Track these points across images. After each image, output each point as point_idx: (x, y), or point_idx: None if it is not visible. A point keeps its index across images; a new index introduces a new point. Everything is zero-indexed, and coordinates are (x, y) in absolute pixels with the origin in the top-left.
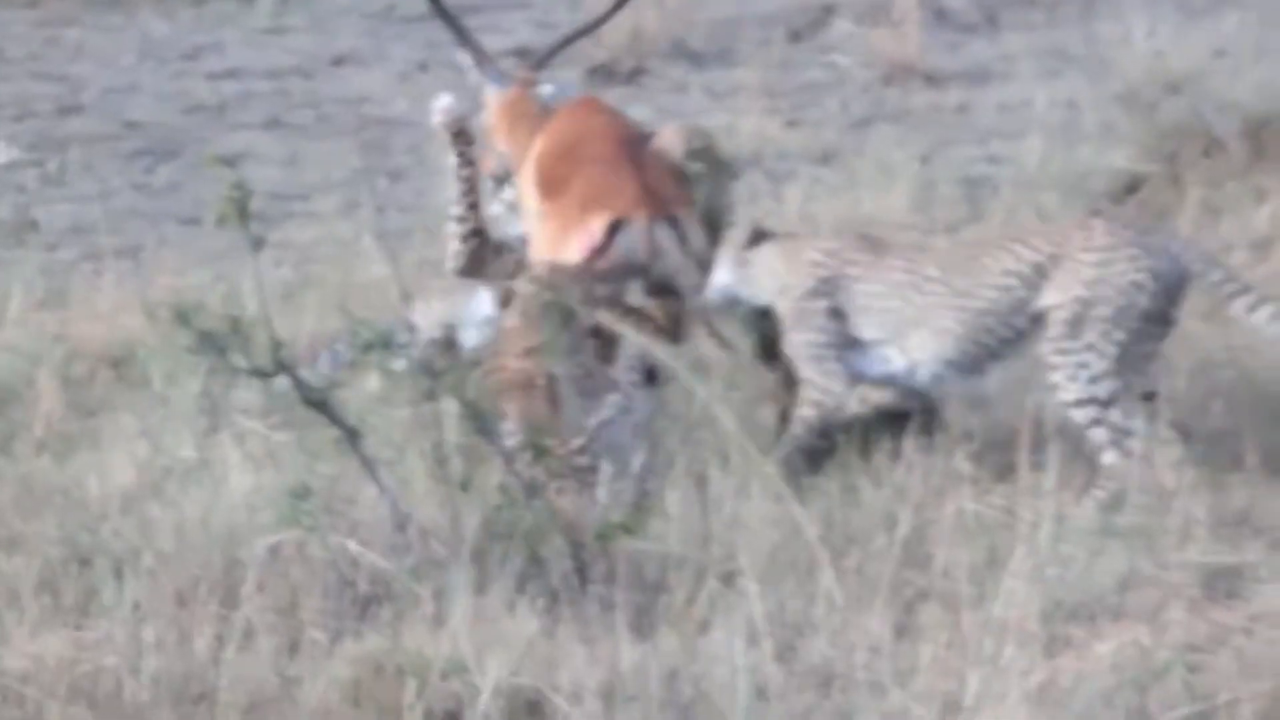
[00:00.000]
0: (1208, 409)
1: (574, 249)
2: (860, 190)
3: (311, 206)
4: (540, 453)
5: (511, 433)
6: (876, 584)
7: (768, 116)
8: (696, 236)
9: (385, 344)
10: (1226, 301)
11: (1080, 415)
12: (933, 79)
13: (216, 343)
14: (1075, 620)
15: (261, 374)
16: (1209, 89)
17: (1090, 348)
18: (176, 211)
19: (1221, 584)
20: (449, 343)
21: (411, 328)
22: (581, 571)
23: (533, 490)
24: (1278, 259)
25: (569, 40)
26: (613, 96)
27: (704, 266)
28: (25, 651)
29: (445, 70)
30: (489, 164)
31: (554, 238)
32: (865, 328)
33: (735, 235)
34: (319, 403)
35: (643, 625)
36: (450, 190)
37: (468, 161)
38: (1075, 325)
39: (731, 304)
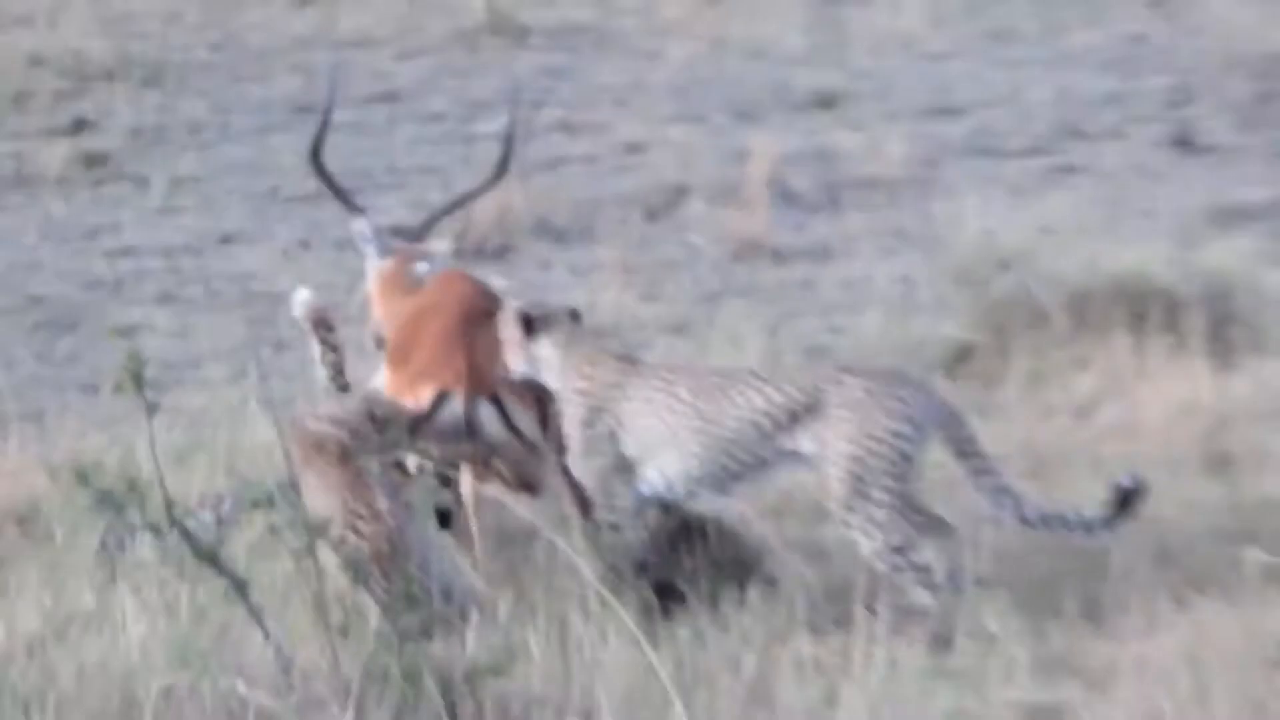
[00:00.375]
0: (1030, 560)
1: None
2: (711, 359)
3: (202, 374)
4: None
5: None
6: None
7: (625, 290)
8: (520, 414)
9: (270, 501)
10: (958, 459)
11: (882, 564)
12: (779, 256)
13: (114, 501)
14: None
15: (155, 530)
16: (1036, 265)
17: (874, 501)
18: (76, 379)
19: None
20: None
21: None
22: (452, 710)
23: (406, 636)
24: (1099, 424)
25: (440, 215)
26: (481, 273)
27: (532, 439)
28: None
29: (326, 248)
30: (370, 327)
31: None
32: (628, 446)
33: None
34: (209, 556)
35: None
36: (320, 373)
37: (331, 347)
38: (855, 482)
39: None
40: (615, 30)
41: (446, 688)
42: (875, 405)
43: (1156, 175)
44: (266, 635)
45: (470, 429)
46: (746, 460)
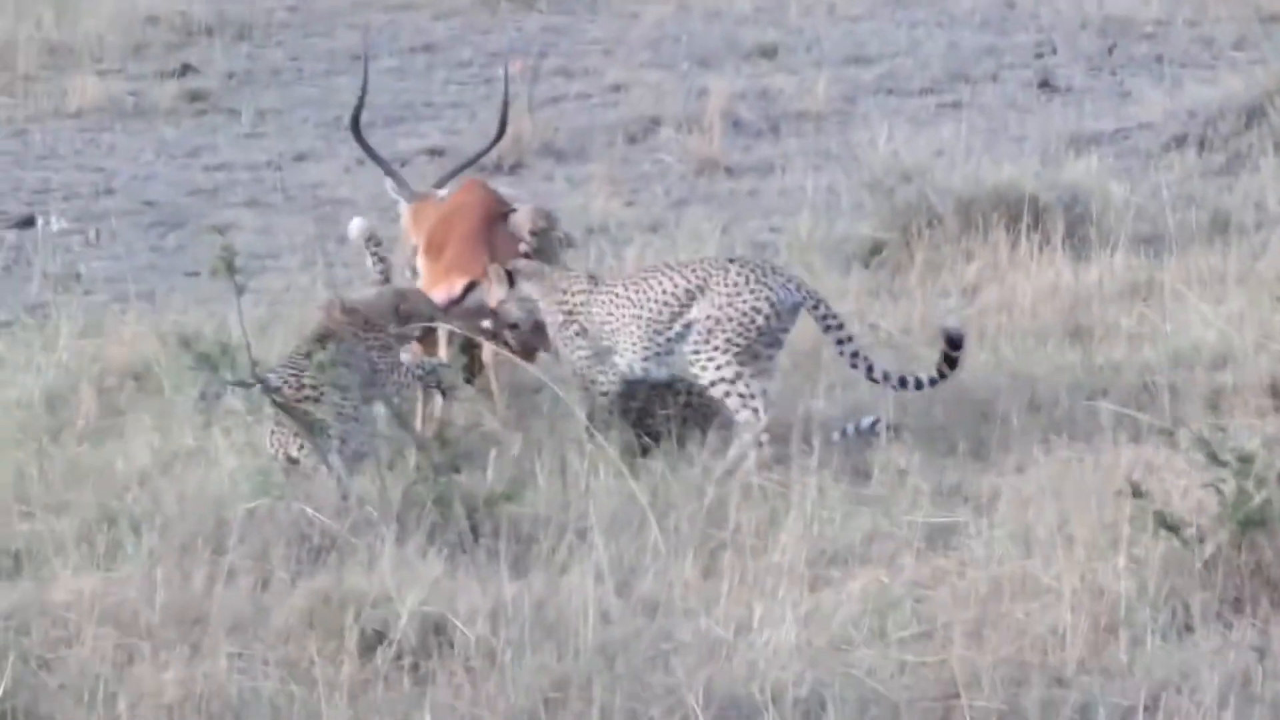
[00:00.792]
0: (930, 410)
1: (439, 298)
2: (679, 252)
3: (280, 264)
4: None
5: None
6: (689, 538)
7: (611, 199)
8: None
9: (334, 363)
10: (824, 332)
11: (716, 391)
12: (731, 171)
13: (210, 362)
14: (833, 565)
15: (243, 384)
16: (932, 179)
17: (717, 349)
18: (182, 266)
19: (940, 538)
20: None
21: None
22: (475, 528)
23: (439, 470)
24: (982, 301)
25: (459, 170)
26: (498, 184)
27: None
28: (68, 587)
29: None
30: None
31: (428, 288)
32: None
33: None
34: (284, 405)
35: (519, 568)
36: (373, 279)
37: (379, 258)
38: (708, 335)
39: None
40: None
41: (470, 511)
42: (745, 287)
43: (1025, 110)
44: (329, 468)
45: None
46: (669, 336)
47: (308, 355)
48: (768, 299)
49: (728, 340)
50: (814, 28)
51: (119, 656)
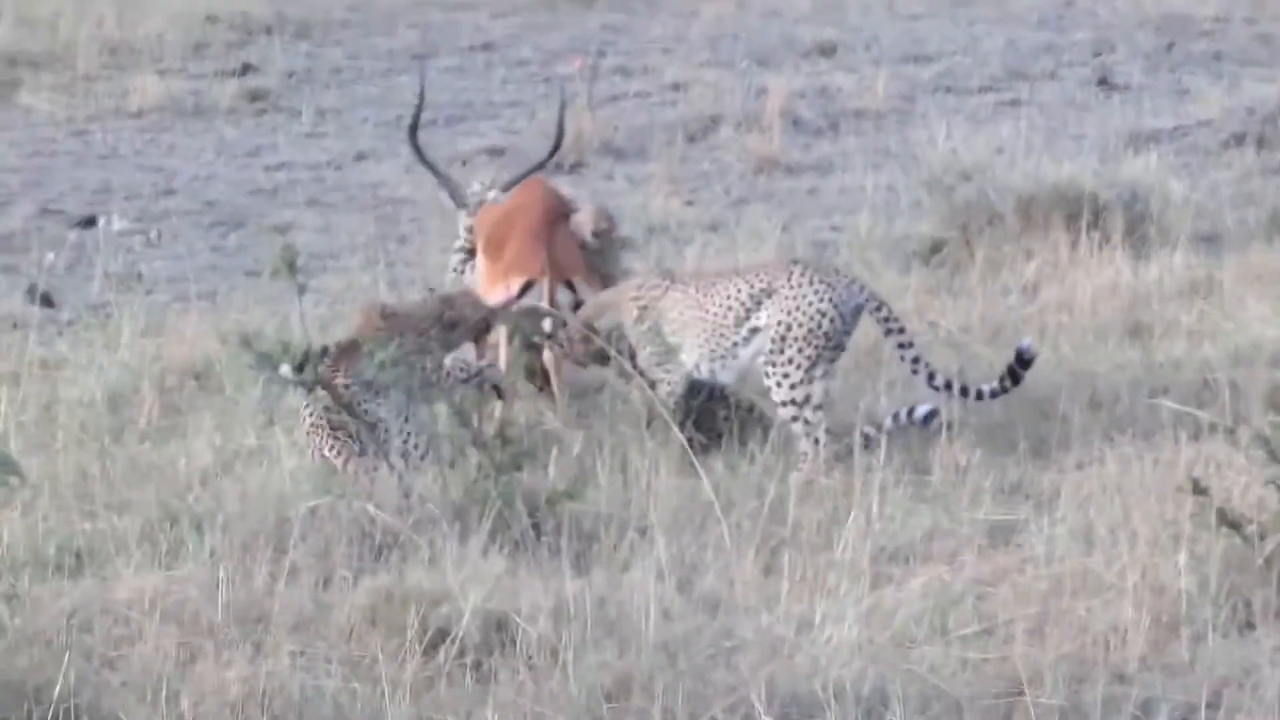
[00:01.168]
0: (991, 407)
1: (497, 299)
2: (739, 251)
3: (341, 263)
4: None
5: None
6: (750, 536)
7: (671, 198)
8: (588, 295)
9: (395, 362)
10: (885, 336)
11: (784, 413)
12: (791, 170)
13: (272, 361)
14: (894, 562)
15: (305, 384)
16: (991, 177)
17: (790, 361)
18: (242, 266)
19: (1001, 535)
20: None
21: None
22: (537, 526)
23: (501, 468)
24: (1043, 299)
25: (521, 177)
26: (558, 183)
27: None
28: (130, 586)
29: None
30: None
31: (486, 289)
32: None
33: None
34: (346, 405)
35: (580, 566)
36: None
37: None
38: (779, 343)
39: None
40: None
41: (532, 509)
42: (809, 288)
43: (1083, 108)
44: (391, 467)
45: (554, 308)
46: (735, 340)
47: (336, 362)
48: (831, 301)
49: (800, 350)
50: (872, 26)
51: (181, 655)
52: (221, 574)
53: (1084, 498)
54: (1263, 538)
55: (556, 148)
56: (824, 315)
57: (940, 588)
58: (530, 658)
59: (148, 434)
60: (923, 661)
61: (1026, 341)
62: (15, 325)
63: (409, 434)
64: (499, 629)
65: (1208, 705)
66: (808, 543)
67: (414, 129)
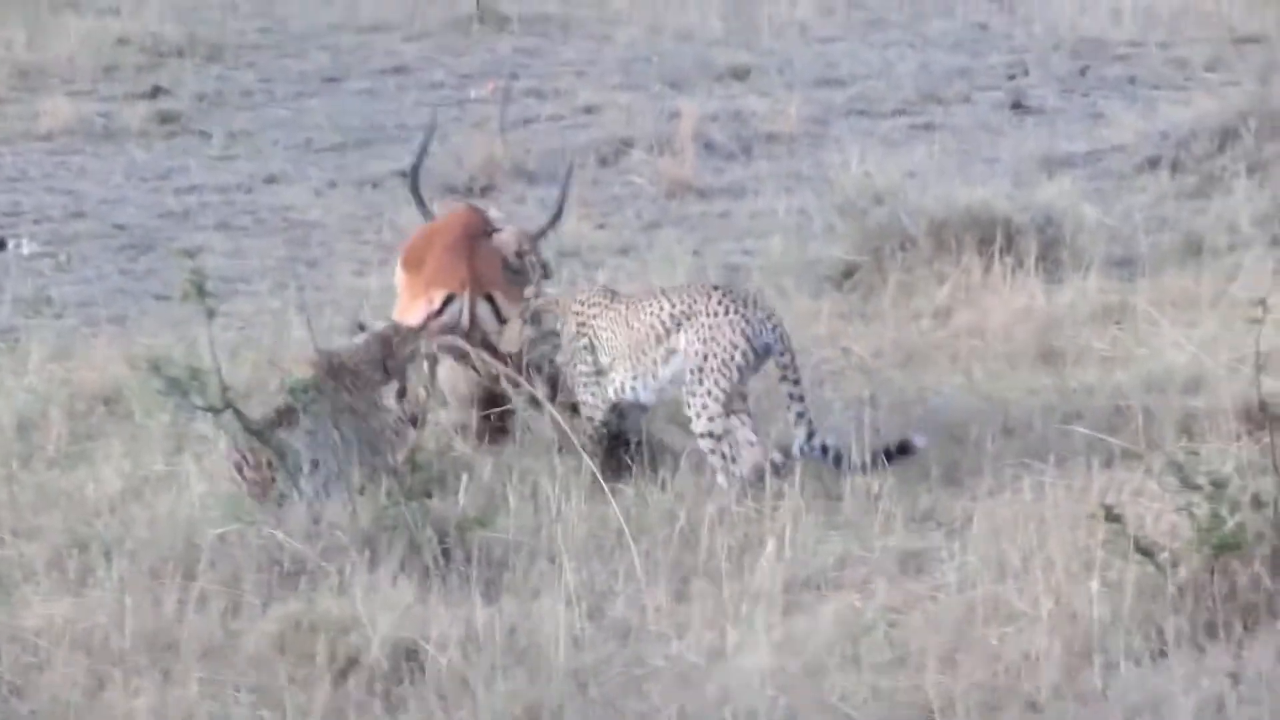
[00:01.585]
0: (903, 434)
1: (418, 313)
2: (650, 275)
3: (251, 287)
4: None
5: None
6: (662, 563)
7: (583, 221)
8: (510, 311)
9: (305, 389)
10: (780, 380)
11: (702, 444)
12: (703, 194)
13: (181, 387)
14: (806, 589)
15: (213, 410)
16: (904, 200)
17: (709, 393)
18: (152, 290)
19: (913, 563)
20: None
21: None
22: (447, 553)
23: (411, 494)
24: (955, 323)
25: (541, 233)
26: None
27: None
28: (38, 613)
29: (349, 187)
30: None
31: (406, 303)
32: (600, 356)
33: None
34: (256, 430)
35: (491, 593)
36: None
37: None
38: (697, 373)
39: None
40: (575, 18)
41: (442, 536)
42: (726, 318)
43: (997, 131)
44: (300, 493)
45: (474, 323)
46: (655, 359)
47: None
48: (744, 334)
49: (715, 383)
50: (785, 49)
51: (90, 682)
52: (130, 601)
53: (997, 525)
54: (1175, 565)
55: (557, 217)
56: (736, 348)
57: (852, 615)
58: (440, 686)
59: (56, 459)
60: (834, 690)
61: (919, 438)
62: None
63: (318, 460)
64: (409, 657)
65: None
66: (720, 570)
67: (415, 173)
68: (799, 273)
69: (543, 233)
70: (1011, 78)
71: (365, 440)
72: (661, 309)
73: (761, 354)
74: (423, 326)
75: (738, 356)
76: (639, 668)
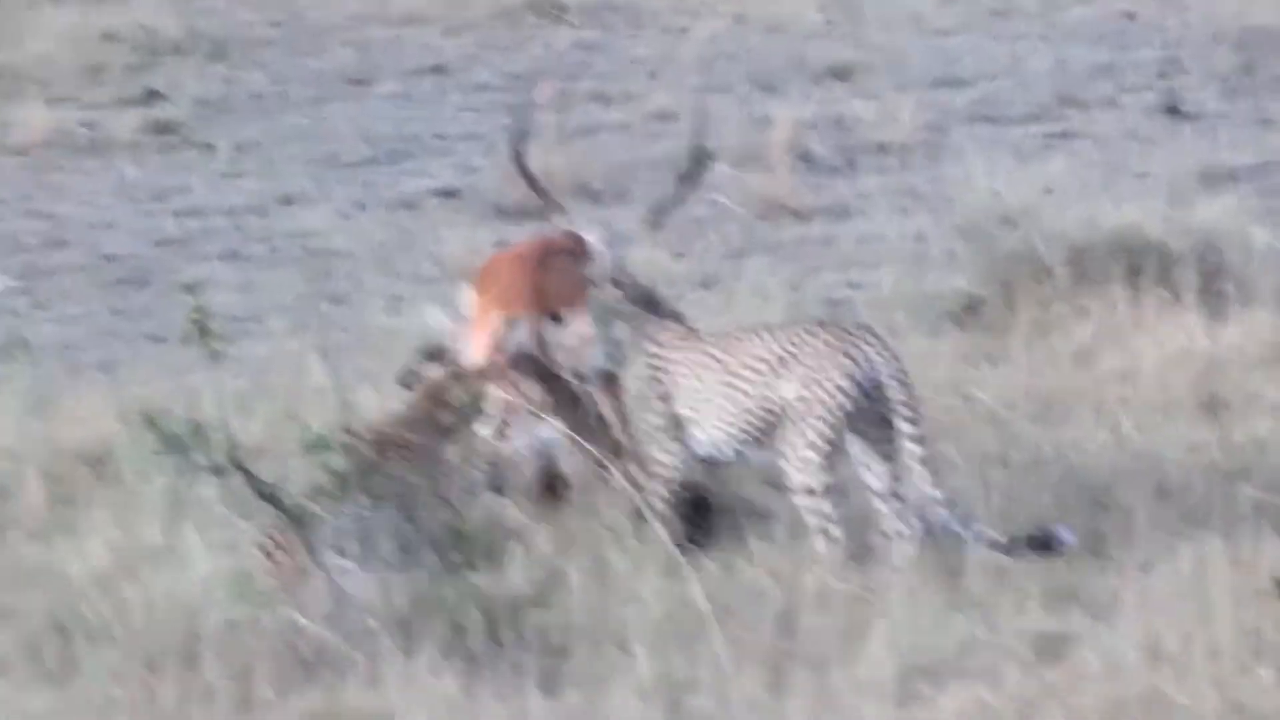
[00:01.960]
0: (1036, 497)
1: (480, 344)
2: (737, 312)
3: (263, 326)
4: None
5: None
6: (752, 650)
7: (656, 248)
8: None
9: (327, 445)
10: (894, 419)
11: (799, 502)
12: (800, 215)
13: (180, 444)
14: (925, 679)
15: (219, 471)
16: (1038, 223)
17: (810, 444)
18: (147, 331)
19: (1050, 649)
20: None
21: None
22: (496, 638)
23: (454, 569)
24: (1099, 369)
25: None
26: (524, 232)
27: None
28: (13, 708)
29: (380, 209)
30: None
31: (475, 330)
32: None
33: None
34: (269, 496)
35: (549, 685)
36: None
37: None
38: (798, 421)
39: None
40: (646, 7)
41: (491, 618)
42: (831, 358)
43: (1148, 140)
44: (322, 568)
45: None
46: (760, 414)
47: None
48: (849, 374)
49: (818, 431)
50: (896, 44)
51: None
52: (121, 695)
53: (1150, 604)
54: None
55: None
56: (840, 389)
57: (979, 709)
58: None
59: (34, 530)
60: None
61: (1066, 533)
62: None
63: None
64: None
65: None
66: (822, 657)
67: (520, 149)
68: (915, 308)
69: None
70: (1164, 76)
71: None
72: (768, 349)
73: (870, 389)
74: (481, 370)
75: (840, 397)
76: None
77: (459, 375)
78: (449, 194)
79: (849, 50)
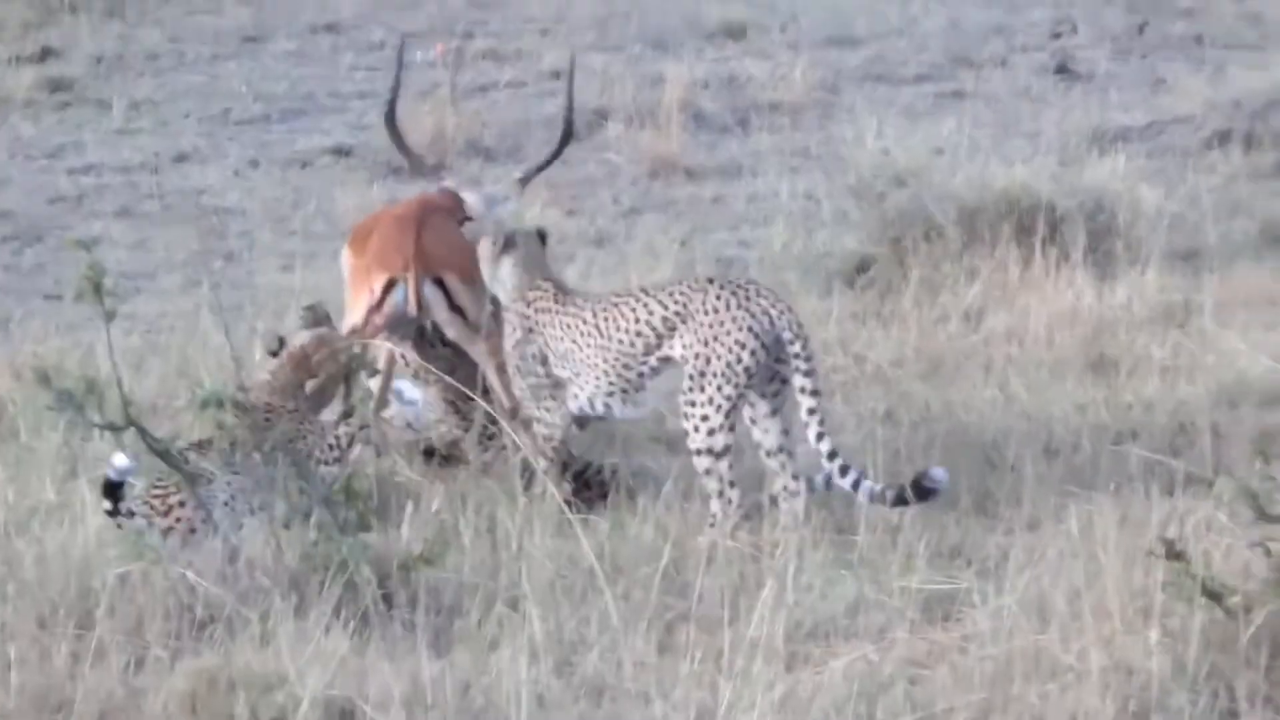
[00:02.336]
0: (927, 456)
1: (359, 305)
2: (629, 270)
3: (157, 284)
4: None
5: None
6: (642, 608)
7: (550, 206)
8: (463, 295)
9: (220, 402)
10: (791, 373)
11: (698, 462)
12: (692, 174)
13: (74, 401)
14: (813, 639)
15: (113, 428)
16: (929, 182)
17: (710, 402)
18: (40, 288)
19: (938, 608)
20: None
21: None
22: (388, 597)
23: (346, 528)
24: (989, 327)
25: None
26: (416, 189)
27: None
28: None
29: (274, 167)
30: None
31: (354, 291)
32: (556, 369)
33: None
34: (162, 453)
35: (440, 644)
36: None
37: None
38: (697, 379)
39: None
40: None
41: (383, 577)
42: (728, 314)
43: (1039, 100)
44: (214, 526)
45: (421, 309)
46: (640, 372)
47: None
48: (750, 329)
49: (719, 390)
50: (789, 3)
51: None
52: (13, 653)
53: (1037, 563)
54: (1248, 611)
55: (564, 143)
56: (744, 347)
57: (867, 670)
58: None
59: None
60: None
61: (938, 471)
62: None
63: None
64: (344, 719)
65: None
66: (711, 617)
67: (391, 110)
68: (805, 267)
69: (548, 163)
70: (1056, 36)
71: (291, 466)
72: (650, 312)
73: (772, 348)
74: (354, 332)
75: (745, 357)
76: None
77: (328, 340)
78: (342, 152)
79: (742, 9)
